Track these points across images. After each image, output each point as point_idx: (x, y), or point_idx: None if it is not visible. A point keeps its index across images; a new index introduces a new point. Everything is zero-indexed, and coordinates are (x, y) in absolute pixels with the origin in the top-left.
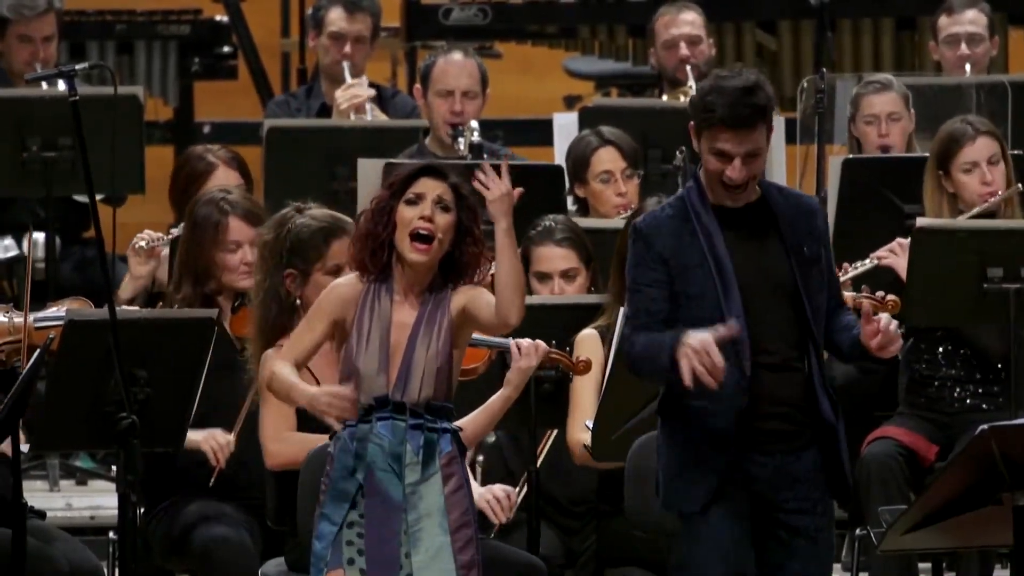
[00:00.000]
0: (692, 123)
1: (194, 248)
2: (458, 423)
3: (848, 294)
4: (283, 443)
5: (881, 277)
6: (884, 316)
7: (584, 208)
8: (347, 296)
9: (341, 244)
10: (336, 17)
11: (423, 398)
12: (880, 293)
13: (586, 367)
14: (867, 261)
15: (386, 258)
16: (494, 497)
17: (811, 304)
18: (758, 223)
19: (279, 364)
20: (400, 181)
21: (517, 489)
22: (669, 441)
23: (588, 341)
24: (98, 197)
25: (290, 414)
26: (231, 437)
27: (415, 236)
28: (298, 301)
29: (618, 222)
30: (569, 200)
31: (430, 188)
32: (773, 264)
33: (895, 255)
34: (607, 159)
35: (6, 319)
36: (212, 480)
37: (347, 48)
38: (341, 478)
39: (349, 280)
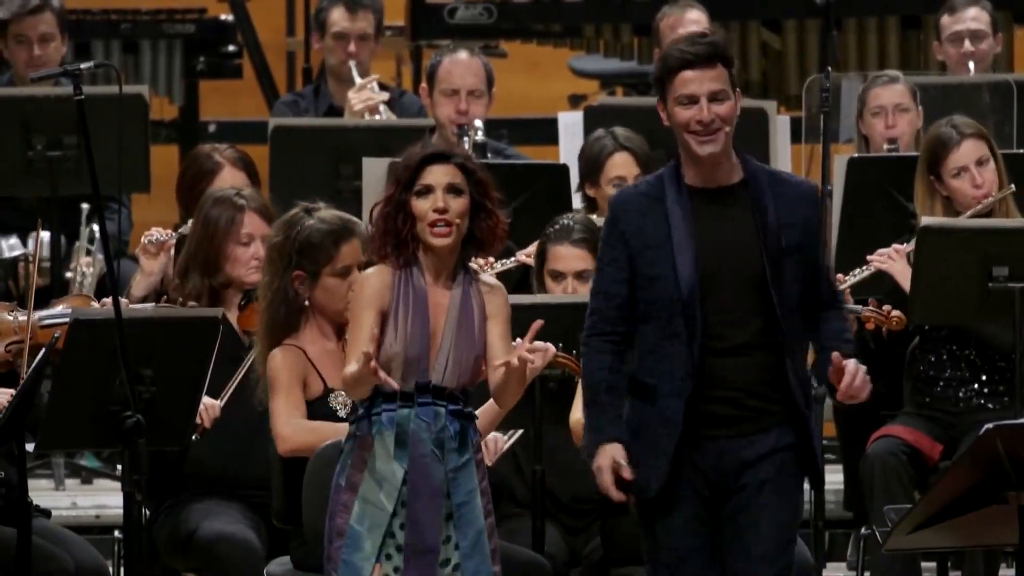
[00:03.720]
0: (659, 100)
1: (205, 240)
2: None
3: (852, 306)
4: (295, 428)
5: (882, 282)
6: (851, 365)
7: (592, 207)
8: (382, 285)
9: (350, 246)
10: (338, 17)
11: (460, 385)
12: (887, 308)
13: None
14: (864, 268)
15: (412, 248)
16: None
17: (780, 292)
18: (733, 205)
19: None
20: (407, 174)
21: (506, 438)
22: (627, 425)
23: None
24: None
25: (300, 404)
26: (218, 402)
27: (433, 225)
28: (306, 302)
29: None
30: (577, 198)
31: (438, 176)
32: (741, 249)
33: (892, 260)
34: (621, 164)
35: (11, 318)
36: (195, 436)
37: (351, 47)
38: (382, 461)
39: (376, 270)
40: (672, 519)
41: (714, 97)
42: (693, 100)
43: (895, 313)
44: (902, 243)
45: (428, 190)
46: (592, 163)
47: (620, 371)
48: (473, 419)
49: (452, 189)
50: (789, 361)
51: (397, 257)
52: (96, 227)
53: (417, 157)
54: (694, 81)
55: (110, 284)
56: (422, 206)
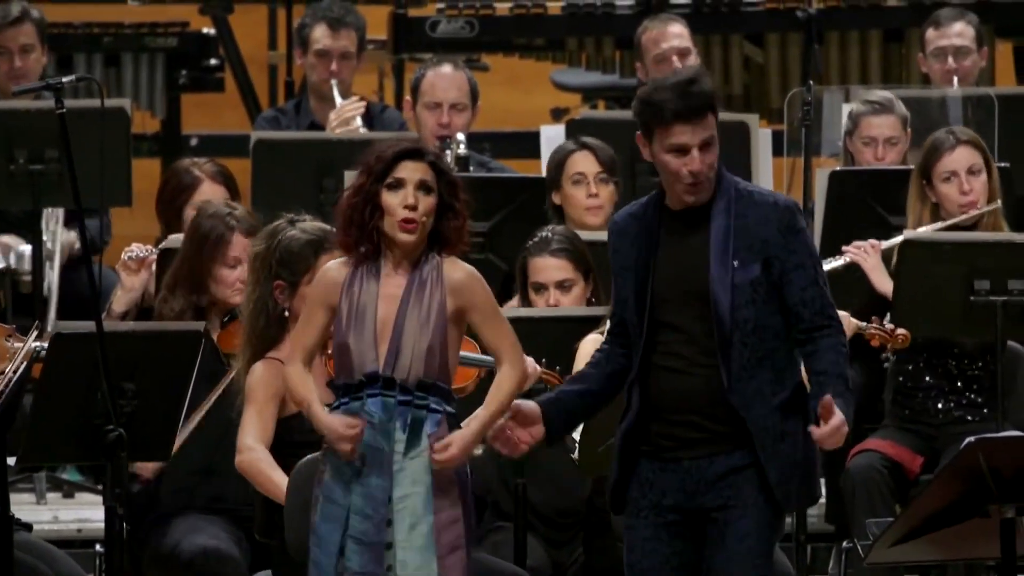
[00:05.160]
0: (639, 133)
1: (194, 259)
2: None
3: (854, 322)
4: (252, 452)
5: (862, 286)
6: (835, 419)
7: (560, 217)
8: (338, 279)
9: (330, 257)
10: (320, 35)
11: (413, 375)
12: (890, 326)
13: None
14: (838, 257)
15: (376, 240)
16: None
17: (725, 314)
18: (697, 227)
19: (294, 374)
20: (380, 166)
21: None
22: None
23: (590, 345)
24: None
25: (270, 424)
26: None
27: (402, 222)
28: (287, 312)
29: None
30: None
31: (410, 172)
32: (692, 270)
33: (866, 255)
34: (581, 161)
35: (8, 344)
36: (138, 485)
37: (333, 66)
38: (337, 456)
39: (337, 263)
40: (632, 536)
41: (704, 145)
42: (684, 150)
43: (900, 331)
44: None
45: (399, 184)
46: (555, 166)
47: (594, 368)
48: (434, 412)
49: (423, 186)
50: (737, 390)
51: (362, 250)
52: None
53: (391, 151)
54: (686, 134)
55: (91, 295)
56: (392, 200)
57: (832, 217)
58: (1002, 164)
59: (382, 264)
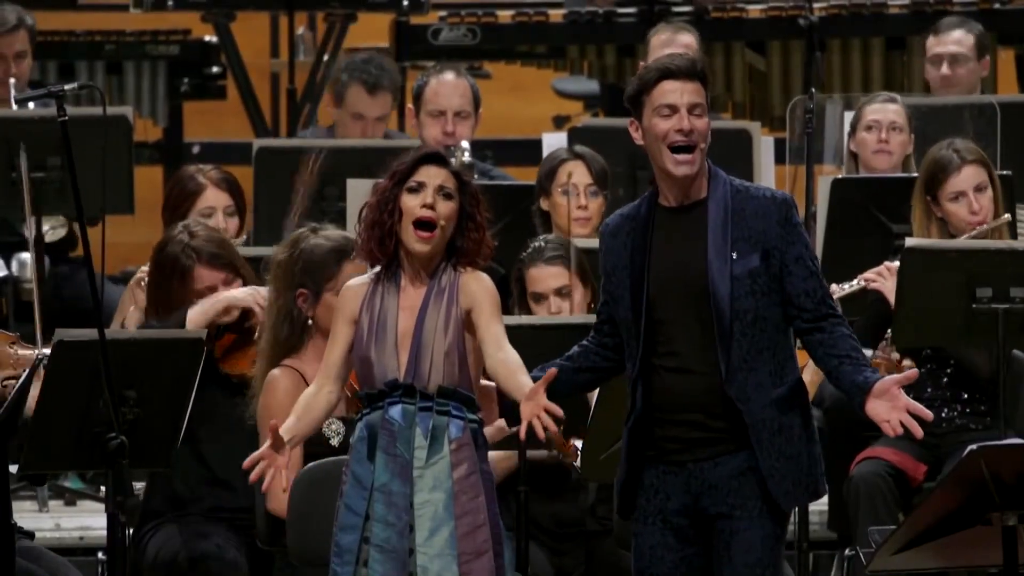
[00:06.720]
0: (631, 120)
1: (163, 290)
2: None
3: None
4: None
5: (863, 299)
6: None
7: (546, 223)
8: (359, 293)
9: (353, 266)
10: (356, 98)
11: (434, 382)
12: (896, 356)
13: (575, 455)
14: (853, 283)
15: (393, 246)
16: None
17: (725, 308)
18: (693, 222)
19: (306, 392)
20: (402, 170)
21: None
22: None
23: None
24: None
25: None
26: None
27: (418, 224)
28: (309, 321)
29: None
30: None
31: (432, 176)
32: (689, 266)
33: (883, 278)
34: (573, 171)
35: (12, 351)
36: (255, 328)
37: (368, 130)
38: (358, 465)
39: (359, 279)
40: (640, 542)
41: (693, 110)
42: (673, 110)
43: (906, 363)
44: (893, 261)
45: (419, 187)
46: (546, 173)
47: (566, 361)
48: (457, 418)
49: (443, 191)
50: (736, 381)
51: (380, 254)
52: None
53: (413, 155)
54: (675, 91)
55: (94, 305)
56: (411, 202)
57: (834, 225)
58: (1004, 172)
59: (401, 277)
